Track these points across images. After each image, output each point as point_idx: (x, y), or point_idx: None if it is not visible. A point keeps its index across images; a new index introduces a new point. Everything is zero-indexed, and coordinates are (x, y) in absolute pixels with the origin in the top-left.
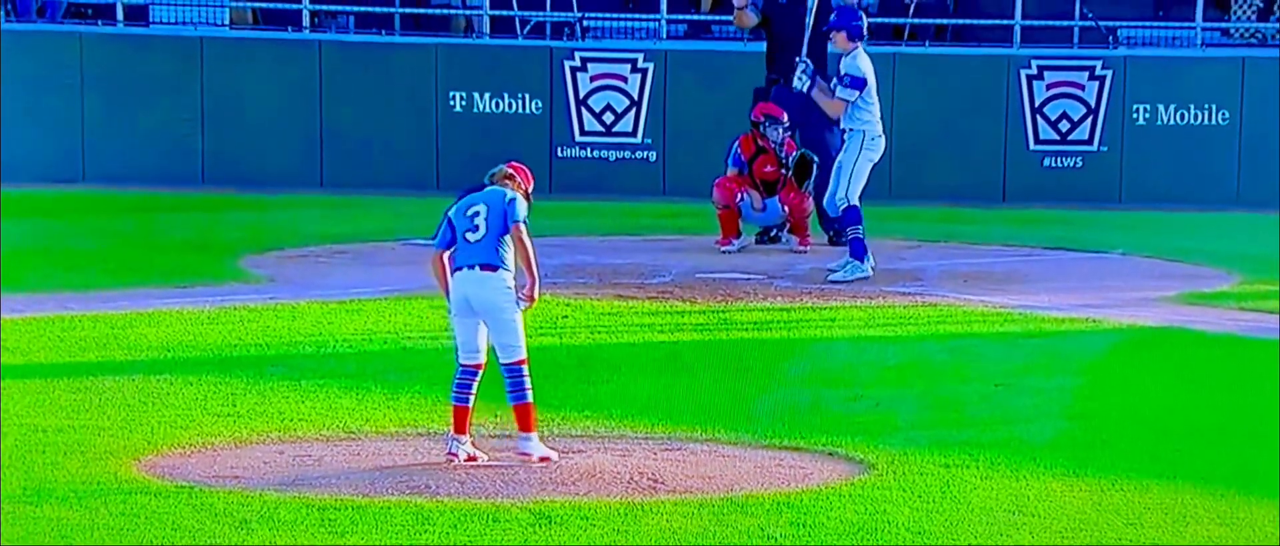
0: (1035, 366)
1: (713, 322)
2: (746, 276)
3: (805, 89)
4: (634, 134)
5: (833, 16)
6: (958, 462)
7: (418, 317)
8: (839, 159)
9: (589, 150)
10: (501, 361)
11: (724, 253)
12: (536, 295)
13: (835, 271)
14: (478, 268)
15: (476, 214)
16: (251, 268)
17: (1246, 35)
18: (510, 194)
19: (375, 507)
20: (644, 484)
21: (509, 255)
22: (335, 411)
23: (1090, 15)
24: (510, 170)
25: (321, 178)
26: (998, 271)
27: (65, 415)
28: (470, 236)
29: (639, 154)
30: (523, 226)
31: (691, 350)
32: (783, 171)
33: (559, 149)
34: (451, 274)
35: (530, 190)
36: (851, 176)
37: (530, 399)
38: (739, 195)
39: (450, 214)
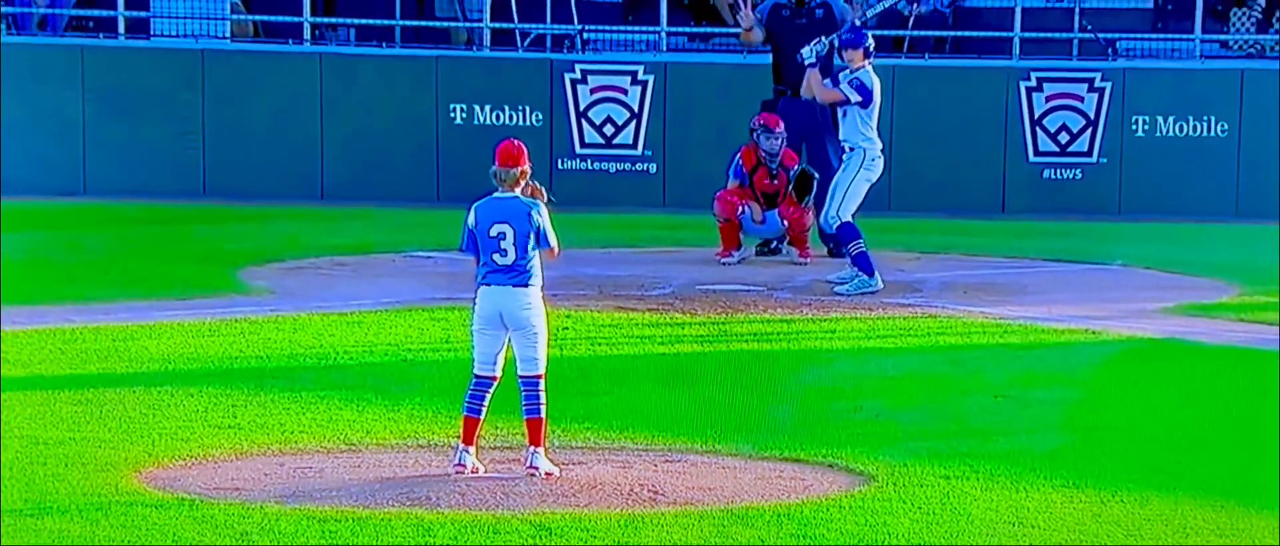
0: (1035, 378)
1: (713, 334)
2: (747, 288)
3: (809, 62)
4: (634, 146)
5: (847, 35)
6: (958, 474)
7: (418, 329)
8: (836, 176)
9: (589, 162)
10: (521, 373)
11: (724, 265)
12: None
13: (841, 283)
14: (510, 285)
15: (502, 236)
16: (252, 280)
17: (1245, 47)
18: (536, 218)
19: (376, 519)
20: (644, 495)
21: (537, 267)
22: (336, 423)
23: (1089, 27)
24: (521, 173)
25: (322, 190)
26: (998, 283)
27: (66, 427)
28: (499, 259)
29: (639, 166)
30: (556, 250)
31: (692, 362)
32: (784, 174)
33: (559, 161)
34: (479, 286)
35: (525, 168)
36: (846, 195)
37: (543, 414)
38: (739, 208)
39: (472, 226)
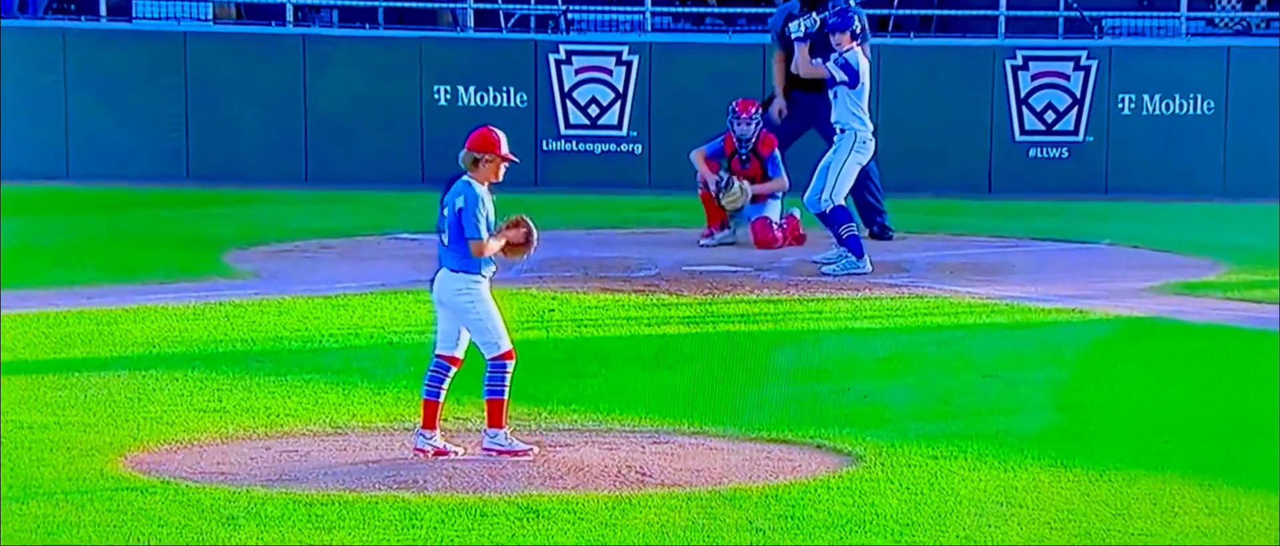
0: (1023, 358)
1: (700, 315)
2: (733, 269)
3: (796, 36)
4: (619, 127)
5: (834, 18)
6: (946, 454)
7: (403, 312)
8: (826, 158)
9: (574, 143)
10: (484, 357)
11: (702, 246)
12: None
13: (827, 264)
14: (445, 268)
15: (443, 217)
16: (237, 263)
17: (1231, 24)
18: (457, 204)
19: (362, 502)
20: (632, 477)
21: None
22: (321, 406)
23: (1075, 5)
24: (475, 154)
25: (306, 172)
26: (985, 262)
27: (51, 411)
28: (442, 239)
29: (624, 147)
30: (481, 247)
31: (679, 343)
32: (756, 161)
33: (544, 142)
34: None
35: (490, 156)
36: (839, 177)
37: (503, 395)
38: (714, 177)
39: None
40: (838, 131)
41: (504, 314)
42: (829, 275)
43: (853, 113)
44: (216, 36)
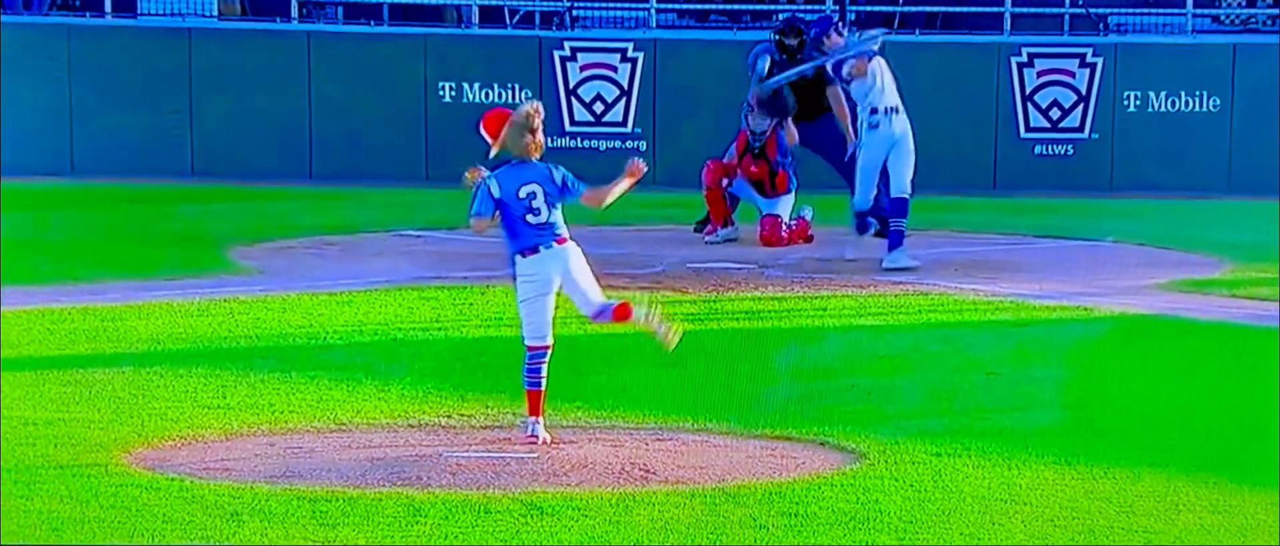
0: (1027, 355)
1: (704, 313)
2: (738, 266)
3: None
4: (624, 124)
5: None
6: (949, 452)
7: (408, 309)
8: (861, 160)
9: (579, 140)
10: (591, 312)
11: (707, 243)
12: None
13: (886, 260)
14: (554, 244)
15: (532, 195)
16: (241, 259)
17: (1237, 21)
18: (558, 171)
19: (366, 499)
20: (636, 474)
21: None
22: (326, 403)
23: (1081, 2)
24: (530, 144)
25: (311, 169)
26: (989, 260)
27: (55, 408)
28: (532, 219)
29: (629, 144)
30: (592, 193)
31: (683, 340)
32: (764, 163)
33: (549, 139)
34: (523, 256)
35: (523, 128)
36: (864, 161)
37: (536, 387)
38: (724, 179)
39: (492, 189)
40: (870, 111)
41: (510, 310)
42: (887, 269)
43: (866, 102)
44: (221, 32)
